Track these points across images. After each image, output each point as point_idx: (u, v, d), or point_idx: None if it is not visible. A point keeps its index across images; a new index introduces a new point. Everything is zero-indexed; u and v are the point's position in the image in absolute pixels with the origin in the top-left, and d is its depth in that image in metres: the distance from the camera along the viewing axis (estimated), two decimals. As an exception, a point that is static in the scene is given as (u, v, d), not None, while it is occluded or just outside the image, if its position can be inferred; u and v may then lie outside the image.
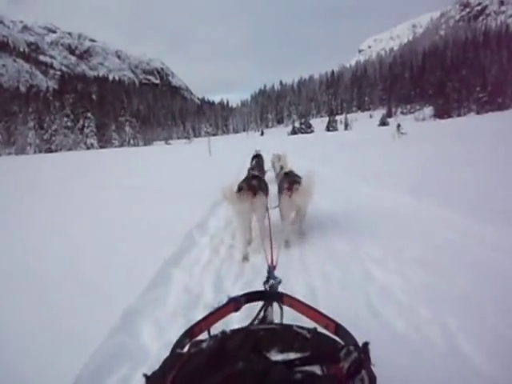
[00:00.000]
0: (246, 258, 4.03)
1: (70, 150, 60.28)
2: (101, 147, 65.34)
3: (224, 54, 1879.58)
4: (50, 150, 60.24)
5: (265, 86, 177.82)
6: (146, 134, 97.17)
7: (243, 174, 5.77)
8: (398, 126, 27.10)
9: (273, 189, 5.27)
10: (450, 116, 70.65)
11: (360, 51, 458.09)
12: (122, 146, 69.32)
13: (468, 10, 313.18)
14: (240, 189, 4.16)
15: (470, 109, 76.67)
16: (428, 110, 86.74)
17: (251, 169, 6.26)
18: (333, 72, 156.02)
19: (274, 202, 4.84)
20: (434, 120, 70.24)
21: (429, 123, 56.50)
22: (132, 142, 73.57)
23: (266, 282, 1.78)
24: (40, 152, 58.01)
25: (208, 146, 23.00)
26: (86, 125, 65.95)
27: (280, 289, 1.74)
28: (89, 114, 66.54)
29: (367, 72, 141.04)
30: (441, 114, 73.33)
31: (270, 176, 7.47)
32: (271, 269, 1.98)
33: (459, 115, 72.75)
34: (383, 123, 73.27)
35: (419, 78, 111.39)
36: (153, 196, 7.85)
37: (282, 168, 5.92)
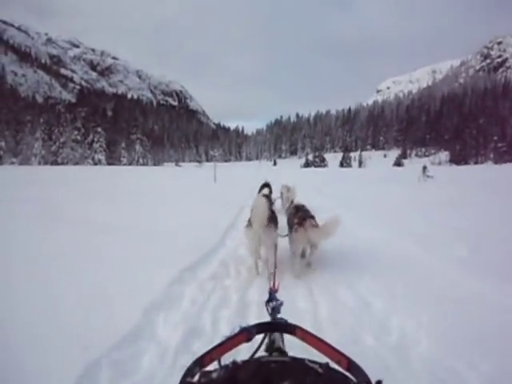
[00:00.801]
0: (257, 272, 4.47)
1: (76, 164, 58.72)
2: (109, 164, 63.87)
3: (243, 83, 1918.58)
4: (56, 163, 58.65)
5: (281, 117, 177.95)
6: (157, 154, 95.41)
7: (247, 212, 5.29)
8: (424, 168, 25.13)
9: (281, 219, 5.18)
10: (466, 162, 68.95)
11: (378, 91, 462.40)
12: (130, 164, 67.84)
13: (488, 61, 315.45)
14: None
15: (487, 157, 75.09)
16: (443, 155, 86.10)
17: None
18: (350, 109, 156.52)
19: (283, 232, 4.85)
20: (449, 165, 69.07)
21: (446, 168, 54.91)
22: (141, 161, 71.84)
23: (268, 302, 1.81)
24: (45, 164, 56.31)
25: (214, 173, 21.18)
26: (96, 140, 64.42)
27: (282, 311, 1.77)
28: (99, 129, 64.93)
29: (384, 112, 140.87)
30: (457, 159, 71.77)
31: (278, 205, 7.76)
32: (273, 291, 2.01)
33: (476, 163, 71.28)
34: (398, 164, 72.31)
35: (436, 123, 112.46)
36: (115, 244, 5.56)
37: (292, 202, 5.99)
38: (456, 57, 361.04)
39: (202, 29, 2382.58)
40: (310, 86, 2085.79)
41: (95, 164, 61.67)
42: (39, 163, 57.11)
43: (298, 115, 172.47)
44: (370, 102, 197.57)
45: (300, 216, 4.58)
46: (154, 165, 76.97)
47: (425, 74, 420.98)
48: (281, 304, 1.77)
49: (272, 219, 4.44)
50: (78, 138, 63.36)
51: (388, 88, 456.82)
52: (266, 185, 9.14)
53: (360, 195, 14.07)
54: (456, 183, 19.97)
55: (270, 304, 1.77)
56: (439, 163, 75.77)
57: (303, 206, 5.14)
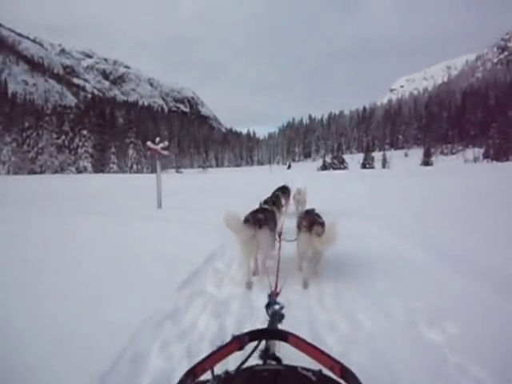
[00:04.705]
0: (249, 286, 4.17)
1: (55, 172, 52.16)
2: (96, 172, 56.70)
3: (255, 88, 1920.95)
4: (33, 172, 51.61)
5: (293, 119, 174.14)
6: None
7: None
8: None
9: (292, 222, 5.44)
10: (507, 158, 61.67)
11: (391, 90, 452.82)
12: (123, 171, 61.20)
13: (506, 53, 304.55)
14: (246, 221, 4.22)
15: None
16: (472, 152, 79.91)
17: (265, 201, 6.25)
18: (364, 108, 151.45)
19: (291, 235, 4.87)
20: (487, 162, 62.56)
21: (489, 165, 48.42)
22: (135, 167, 64.69)
23: (268, 306, 1.75)
24: (16, 174, 49.15)
25: (157, 191, 10.61)
26: (81, 144, 57.31)
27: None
28: (84, 132, 57.43)
29: (401, 110, 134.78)
30: (497, 155, 64.53)
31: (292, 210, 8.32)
32: (273, 294, 1.93)
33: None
34: (426, 163, 65.82)
35: (458, 118, 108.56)
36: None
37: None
38: (471, 51, 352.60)
39: (213, 37, 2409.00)
40: (321, 88, 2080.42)
41: (79, 172, 55.00)
42: (8, 172, 49.94)
43: (310, 117, 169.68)
44: (384, 101, 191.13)
45: (309, 220, 4.49)
46: (151, 172, 68.67)
47: (439, 70, 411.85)
48: (281, 308, 1.68)
49: (267, 222, 4.38)
50: (61, 142, 56.97)
51: (402, 86, 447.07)
52: (283, 187, 9.25)
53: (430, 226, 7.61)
54: None
55: (271, 309, 1.69)
56: (474, 160, 69.49)
57: (312, 210, 5.16)
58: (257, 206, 5.71)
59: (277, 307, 1.63)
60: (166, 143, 10.38)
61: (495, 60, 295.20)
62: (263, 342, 1.35)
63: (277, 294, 1.88)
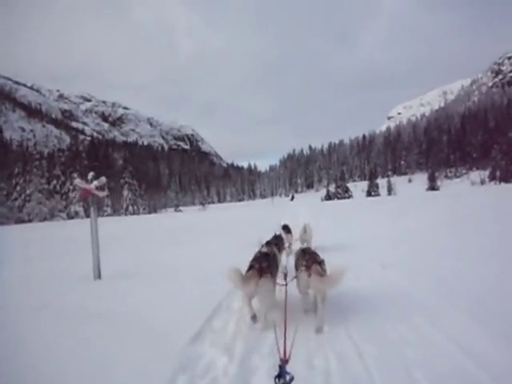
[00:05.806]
0: (254, 318, 3.92)
1: (44, 219, 49.21)
2: (88, 216, 52.55)
3: (254, 123, 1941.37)
4: (20, 221, 48.28)
5: (294, 151, 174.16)
6: (156, 199, 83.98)
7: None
8: None
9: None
10: (516, 179, 60.26)
11: (389, 118, 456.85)
12: (119, 214, 59.00)
13: (501, 76, 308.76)
14: (249, 269, 4.05)
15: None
16: (478, 174, 78.37)
17: (268, 243, 5.63)
18: (364, 136, 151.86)
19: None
20: (494, 184, 61.19)
21: (498, 187, 46.86)
22: (131, 209, 61.26)
23: (278, 377, 1.67)
24: (2, 224, 44.20)
25: (92, 254, 6.80)
26: (72, 188, 54.42)
27: None
28: (75, 175, 52.97)
29: (401, 136, 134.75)
30: (504, 176, 62.97)
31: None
32: (283, 363, 1.76)
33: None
34: (433, 187, 64.26)
35: (459, 142, 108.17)
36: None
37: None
38: (466, 76, 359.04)
39: (211, 75, 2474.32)
40: (320, 119, 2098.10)
41: (71, 218, 52.32)
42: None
43: (310, 147, 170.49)
44: (383, 128, 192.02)
45: (307, 259, 4.28)
46: (149, 212, 66.89)
47: (435, 96, 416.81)
48: (291, 380, 1.60)
49: (268, 271, 4.08)
50: (51, 187, 54.43)
51: (399, 113, 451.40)
52: (285, 227, 8.63)
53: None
54: None
55: (280, 380, 1.60)
56: (481, 183, 67.95)
57: (309, 249, 4.89)
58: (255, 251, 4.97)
59: (287, 378, 1.54)
60: (104, 180, 6.91)
61: (490, 83, 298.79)
62: None
63: (286, 361, 1.72)
